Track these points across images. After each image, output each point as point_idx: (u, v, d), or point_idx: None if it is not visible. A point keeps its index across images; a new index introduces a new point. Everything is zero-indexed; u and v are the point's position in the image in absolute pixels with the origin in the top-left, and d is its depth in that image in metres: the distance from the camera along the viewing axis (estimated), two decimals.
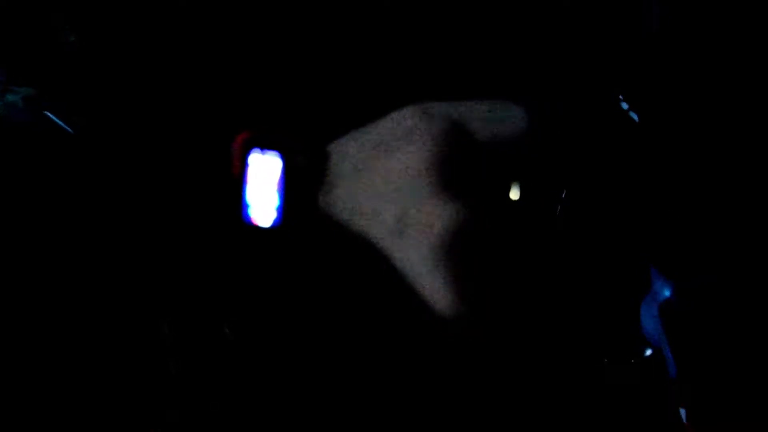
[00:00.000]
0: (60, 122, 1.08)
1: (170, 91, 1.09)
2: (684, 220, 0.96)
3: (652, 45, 1.01)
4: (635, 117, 1.00)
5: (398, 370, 1.09)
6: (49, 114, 1.08)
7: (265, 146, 0.95)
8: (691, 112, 0.97)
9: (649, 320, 0.99)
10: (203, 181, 0.99)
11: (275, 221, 0.95)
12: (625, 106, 1.01)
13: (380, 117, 0.94)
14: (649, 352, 1.03)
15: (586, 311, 1.04)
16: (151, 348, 1.11)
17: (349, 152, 0.94)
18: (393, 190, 0.90)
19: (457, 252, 0.89)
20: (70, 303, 1.09)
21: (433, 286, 0.89)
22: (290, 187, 0.94)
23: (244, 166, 0.95)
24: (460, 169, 0.91)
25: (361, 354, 1.09)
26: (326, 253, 0.99)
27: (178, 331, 1.10)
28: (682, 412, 0.94)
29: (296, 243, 0.98)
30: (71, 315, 1.10)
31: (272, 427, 1.11)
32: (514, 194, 0.97)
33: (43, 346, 1.09)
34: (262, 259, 1.03)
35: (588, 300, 1.04)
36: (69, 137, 1.07)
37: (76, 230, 1.06)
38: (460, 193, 0.90)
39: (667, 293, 0.95)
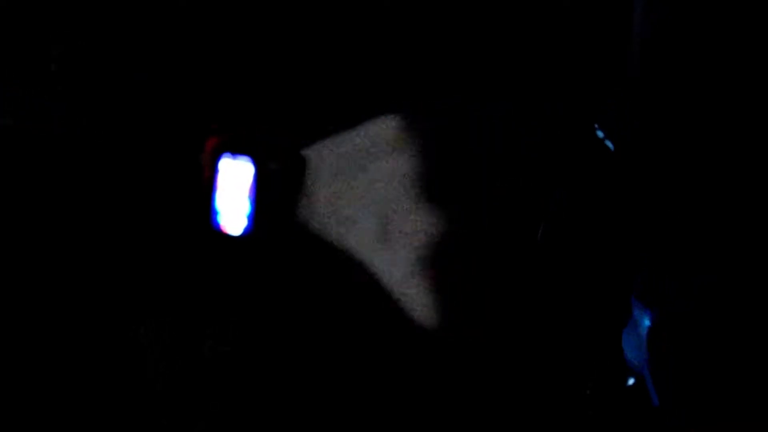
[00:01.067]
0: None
1: (140, 93, 1.06)
2: (662, 246, 0.93)
3: (632, 73, 0.98)
4: (610, 145, 0.97)
5: (378, 378, 1.05)
6: None
7: (236, 151, 0.91)
8: (667, 140, 0.94)
9: (631, 349, 0.96)
10: (171, 187, 0.95)
11: (246, 229, 0.91)
12: (600, 134, 0.98)
13: (361, 122, 0.90)
14: (631, 381, 1.00)
15: (568, 340, 1.01)
16: (135, 364, 1.07)
17: (328, 157, 0.90)
18: (376, 196, 0.87)
19: (442, 261, 0.86)
20: (43, 317, 1.05)
21: (415, 296, 0.86)
22: (263, 193, 0.90)
23: (213, 171, 0.91)
24: (445, 175, 0.88)
25: (341, 363, 1.04)
26: (303, 263, 0.94)
27: (159, 345, 1.06)
28: None
29: (269, 253, 0.94)
30: (48, 328, 1.06)
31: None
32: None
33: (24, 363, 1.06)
34: (233, 270, 0.99)
35: (570, 329, 1.01)
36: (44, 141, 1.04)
37: (48, 238, 1.03)
38: (446, 200, 0.87)
39: (647, 322, 0.91)
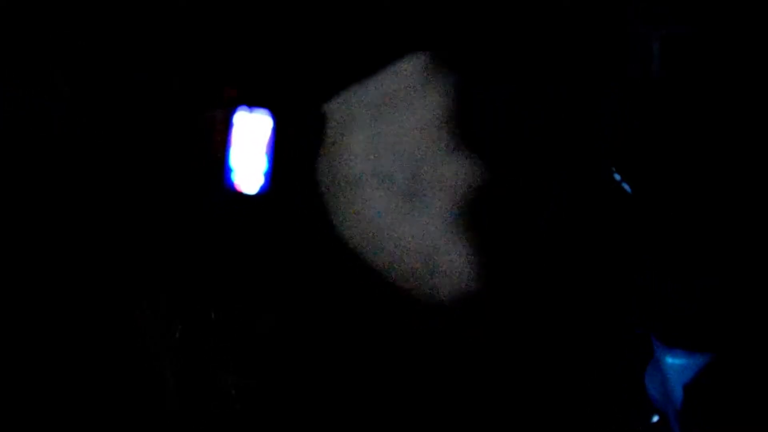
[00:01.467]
0: None
1: (140, 93, 1.04)
2: (664, 248, 0.92)
3: (633, 73, 0.99)
4: (628, 188, 0.97)
5: (404, 365, 1.01)
6: None
7: (253, 103, 0.89)
8: (668, 140, 0.94)
9: (654, 386, 0.95)
10: (182, 144, 0.92)
11: (263, 188, 0.87)
12: (617, 177, 0.98)
13: (385, 67, 0.88)
14: (655, 418, 0.99)
15: (591, 375, 0.99)
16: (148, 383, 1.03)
17: (351, 108, 0.86)
18: (405, 149, 0.83)
19: (481, 218, 0.82)
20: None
21: (452, 259, 0.82)
22: (282, 149, 0.88)
23: (228, 125, 0.88)
24: (481, 122, 0.85)
25: (364, 350, 1.01)
26: (325, 225, 0.91)
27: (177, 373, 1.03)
28: None
29: (288, 214, 0.91)
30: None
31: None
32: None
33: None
34: (249, 234, 0.95)
35: (592, 364, 0.98)
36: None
37: (48, 239, 1.00)
38: (483, 150, 0.84)
39: (669, 360, 0.91)
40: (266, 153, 0.86)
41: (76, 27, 1.06)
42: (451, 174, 0.81)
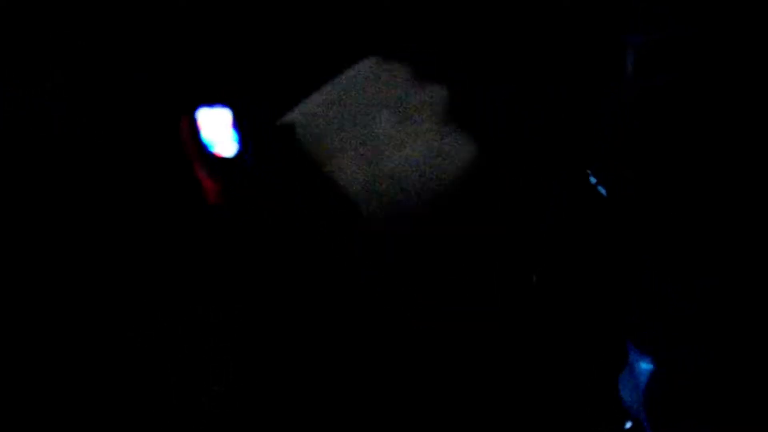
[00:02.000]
0: None
1: (140, 93, 1.06)
2: (664, 249, 0.91)
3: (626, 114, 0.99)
4: (603, 191, 0.96)
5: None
6: None
7: (212, 102, 0.92)
8: (668, 140, 0.93)
9: (628, 392, 0.96)
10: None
11: (238, 150, 0.92)
12: (593, 180, 0.98)
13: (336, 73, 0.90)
14: (628, 424, 0.99)
15: (566, 382, 0.97)
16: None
17: (313, 102, 0.89)
18: (384, 98, 0.85)
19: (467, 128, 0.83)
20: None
21: (452, 145, 0.83)
22: (245, 125, 0.90)
23: (193, 122, 0.91)
24: (483, 122, 0.88)
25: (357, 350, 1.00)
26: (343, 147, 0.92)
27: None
28: None
29: (268, 171, 0.92)
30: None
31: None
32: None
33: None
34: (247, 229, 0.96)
35: (567, 371, 0.97)
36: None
37: (48, 239, 1.01)
38: (486, 130, 0.85)
39: (644, 365, 0.91)
40: (232, 127, 0.88)
41: (76, 27, 1.08)
42: (436, 94, 0.82)
